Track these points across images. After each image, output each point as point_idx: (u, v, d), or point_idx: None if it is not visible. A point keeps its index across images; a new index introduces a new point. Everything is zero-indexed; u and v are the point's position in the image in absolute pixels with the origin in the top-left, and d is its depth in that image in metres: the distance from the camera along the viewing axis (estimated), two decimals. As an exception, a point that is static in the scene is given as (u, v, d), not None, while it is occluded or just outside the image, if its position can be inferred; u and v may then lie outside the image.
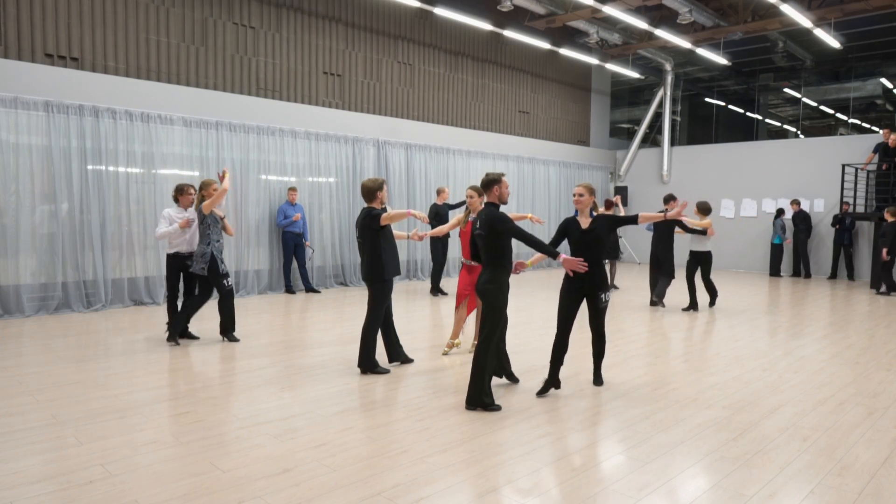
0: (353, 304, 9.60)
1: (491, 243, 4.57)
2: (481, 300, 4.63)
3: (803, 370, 5.94)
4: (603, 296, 5.02)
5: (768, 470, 3.61)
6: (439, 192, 10.84)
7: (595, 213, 5.17)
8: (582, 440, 4.06)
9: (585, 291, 5.03)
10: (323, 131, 11.33)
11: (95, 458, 3.62)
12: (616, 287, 12.03)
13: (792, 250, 14.62)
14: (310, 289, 10.89)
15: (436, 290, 10.74)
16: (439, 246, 10.76)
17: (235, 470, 3.50)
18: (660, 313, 9.15)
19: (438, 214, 10.49)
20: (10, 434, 4.00)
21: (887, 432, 4.26)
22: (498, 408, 4.61)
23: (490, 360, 4.58)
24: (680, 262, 10.33)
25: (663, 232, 9.38)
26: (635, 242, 17.72)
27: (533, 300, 10.33)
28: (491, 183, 4.69)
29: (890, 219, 11.42)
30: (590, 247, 4.97)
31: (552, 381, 5.05)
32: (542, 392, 5.00)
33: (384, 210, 5.51)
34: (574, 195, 5.09)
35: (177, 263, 6.75)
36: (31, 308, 8.23)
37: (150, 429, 4.14)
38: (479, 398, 4.57)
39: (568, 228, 5.07)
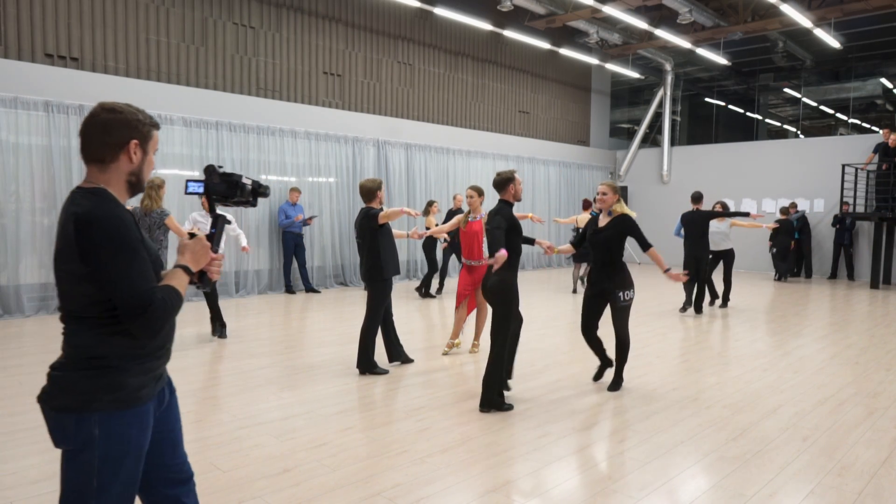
0: (353, 304, 9.60)
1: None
2: (489, 300, 4.57)
3: (803, 370, 5.94)
4: (622, 294, 4.99)
5: (768, 470, 3.61)
6: (454, 198, 10.78)
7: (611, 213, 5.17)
8: (582, 440, 4.06)
9: (600, 292, 5.09)
10: (323, 131, 11.33)
11: (95, 458, 3.61)
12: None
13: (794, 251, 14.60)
14: (310, 289, 10.89)
15: (440, 289, 10.74)
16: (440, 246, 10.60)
17: (235, 470, 3.50)
18: (660, 314, 9.15)
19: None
20: (10, 434, 3.99)
21: (887, 432, 4.26)
22: (510, 407, 4.64)
23: (504, 360, 4.60)
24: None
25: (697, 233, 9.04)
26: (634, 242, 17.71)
27: (533, 300, 10.33)
28: (506, 182, 4.68)
29: (782, 217, 13.47)
30: (596, 247, 5.09)
31: (603, 364, 5.41)
32: (597, 377, 5.44)
33: (381, 209, 5.51)
34: (598, 193, 5.18)
35: None
36: (31, 308, 8.23)
37: (150, 429, 4.13)
38: (493, 399, 4.56)
39: (588, 226, 5.25)
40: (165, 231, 6.27)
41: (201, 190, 2.09)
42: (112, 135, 1.83)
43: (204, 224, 6.66)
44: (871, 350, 6.87)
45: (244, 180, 2.12)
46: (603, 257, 5.06)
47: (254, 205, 2.18)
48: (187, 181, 2.10)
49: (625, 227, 5.04)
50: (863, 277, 13.97)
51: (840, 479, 3.50)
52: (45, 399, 1.81)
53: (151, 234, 6.15)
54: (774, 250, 13.59)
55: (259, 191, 2.17)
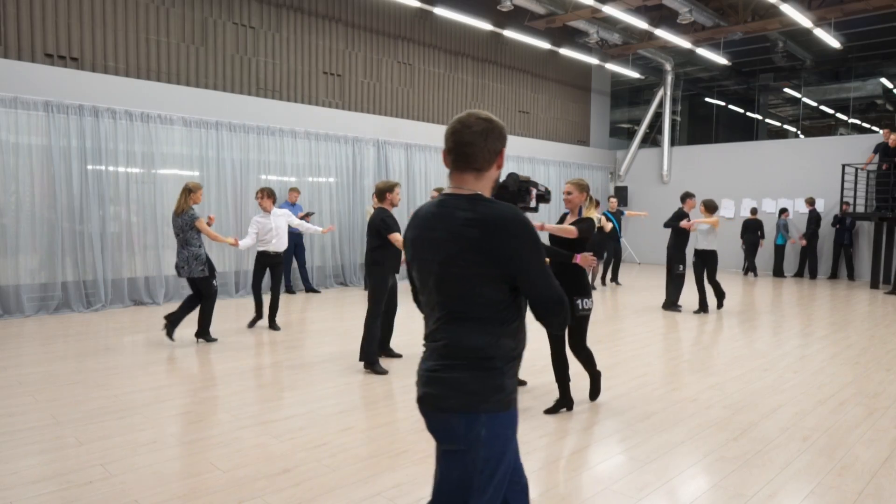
0: (354, 304, 9.60)
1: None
2: None
3: (803, 370, 5.94)
4: (580, 302, 4.46)
5: (768, 470, 3.61)
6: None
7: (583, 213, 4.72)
8: (582, 440, 4.06)
9: None
10: (323, 131, 11.33)
11: (95, 458, 3.62)
12: (594, 288, 11.89)
13: (799, 250, 14.58)
14: (310, 289, 10.89)
15: None
16: None
17: (235, 470, 3.50)
18: (660, 314, 9.15)
19: None
20: (10, 434, 4.00)
21: (887, 432, 4.26)
22: None
23: None
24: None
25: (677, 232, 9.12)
26: (634, 242, 17.73)
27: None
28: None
29: (751, 216, 14.59)
30: (563, 247, 4.58)
31: (563, 401, 4.64)
32: (553, 410, 4.61)
33: (394, 221, 5.71)
34: (563, 193, 4.70)
35: (262, 260, 7.49)
36: (31, 308, 8.23)
37: (150, 429, 4.14)
38: None
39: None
40: (197, 232, 6.50)
41: None
42: (491, 143, 1.89)
43: (265, 223, 7.26)
44: (871, 350, 6.87)
45: (539, 189, 2.28)
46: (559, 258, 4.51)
47: (535, 210, 2.33)
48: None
49: (587, 227, 4.53)
50: (863, 277, 13.97)
51: (840, 479, 3.50)
52: (431, 401, 1.85)
53: (183, 234, 6.46)
54: (744, 246, 14.54)
55: (545, 198, 2.34)
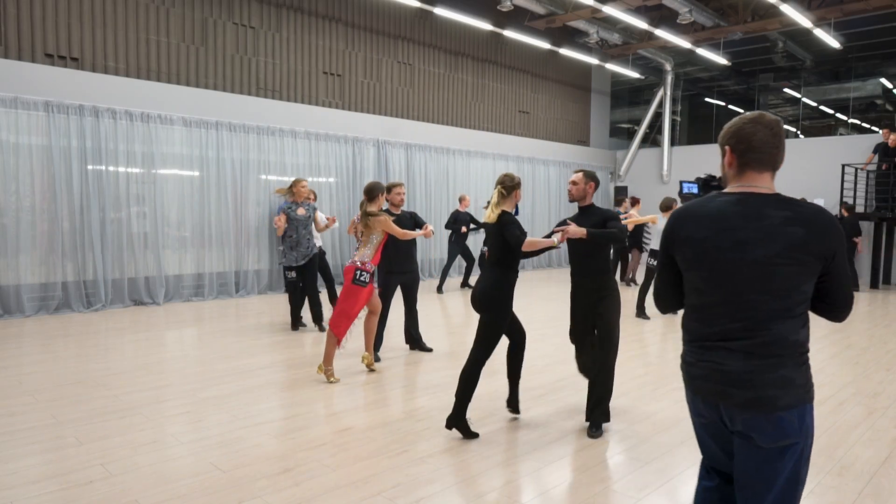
0: (353, 304, 9.59)
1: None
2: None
3: (803, 370, 5.94)
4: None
5: (768, 470, 3.60)
6: (461, 200, 11.22)
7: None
8: (582, 440, 4.06)
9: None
10: (323, 131, 11.33)
11: (95, 458, 3.62)
12: (634, 282, 12.46)
13: None
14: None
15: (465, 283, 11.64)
16: (457, 247, 11.13)
17: (235, 470, 3.50)
18: (657, 314, 9.14)
19: (458, 221, 10.97)
20: (10, 434, 4.00)
21: (887, 432, 4.26)
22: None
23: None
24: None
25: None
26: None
27: (532, 300, 10.33)
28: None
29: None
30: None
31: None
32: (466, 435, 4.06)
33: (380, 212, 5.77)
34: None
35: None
36: (31, 308, 8.23)
37: (150, 429, 4.14)
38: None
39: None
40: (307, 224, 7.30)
41: (696, 190, 2.34)
42: (782, 142, 2.02)
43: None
44: (871, 350, 6.87)
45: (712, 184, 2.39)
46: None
47: None
48: (681, 182, 2.36)
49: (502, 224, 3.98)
50: (862, 277, 13.96)
51: (840, 479, 3.50)
52: (766, 402, 1.87)
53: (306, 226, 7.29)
54: None
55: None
